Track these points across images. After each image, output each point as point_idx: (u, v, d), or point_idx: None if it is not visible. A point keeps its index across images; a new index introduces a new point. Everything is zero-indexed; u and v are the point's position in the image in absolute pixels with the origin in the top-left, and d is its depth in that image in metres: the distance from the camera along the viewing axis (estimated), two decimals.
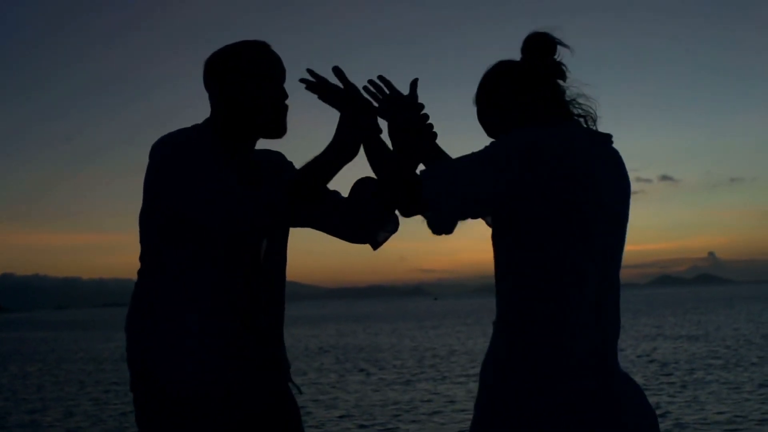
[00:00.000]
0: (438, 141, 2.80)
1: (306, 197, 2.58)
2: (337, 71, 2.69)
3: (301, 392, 3.02)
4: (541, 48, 2.61)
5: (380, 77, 2.80)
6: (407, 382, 18.19)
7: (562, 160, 2.37)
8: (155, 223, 2.75)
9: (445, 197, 2.36)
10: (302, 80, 2.74)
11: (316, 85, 2.74)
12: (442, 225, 2.42)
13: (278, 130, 2.81)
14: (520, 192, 2.37)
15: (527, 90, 2.60)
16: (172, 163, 2.64)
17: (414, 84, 2.76)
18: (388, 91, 2.78)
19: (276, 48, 2.79)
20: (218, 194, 2.55)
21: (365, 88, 2.77)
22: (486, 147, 2.43)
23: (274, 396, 2.88)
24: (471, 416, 2.53)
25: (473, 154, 2.42)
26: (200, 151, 2.65)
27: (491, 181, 2.36)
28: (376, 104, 2.75)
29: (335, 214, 2.94)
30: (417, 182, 2.39)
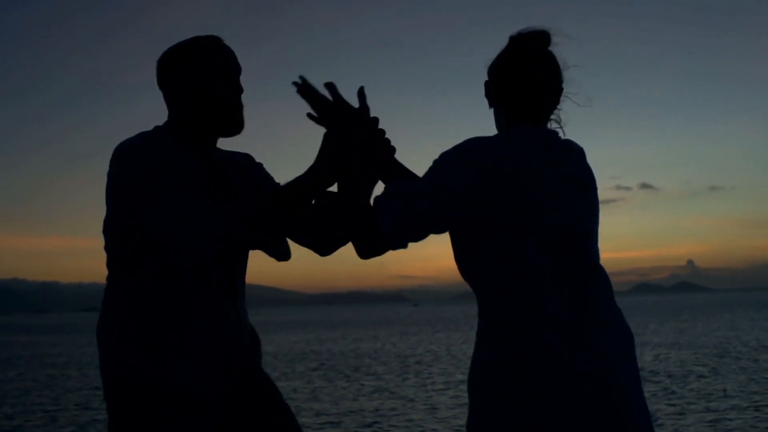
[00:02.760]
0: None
1: (274, 222, 2.53)
2: (330, 86, 2.60)
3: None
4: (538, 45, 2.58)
5: (327, 84, 2.66)
6: (391, 389, 18.16)
7: (504, 164, 2.38)
8: (119, 231, 2.69)
9: (399, 227, 2.41)
10: (295, 83, 2.65)
11: (308, 91, 2.64)
12: (394, 243, 2.47)
13: (236, 125, 2.76)
14: (468, 205, 2.39)
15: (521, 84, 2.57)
16: (134, 173, 2.59)
17: (361, 93, 2.64)
18: (331, 99, 2.65)
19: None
20: (180, 216, 2.50)
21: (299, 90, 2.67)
22: (431, 168, 2.45)
23: (254, 395, 2.82)
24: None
25: (423, 178, 2.45)
26: (162, 160, 2.60)
27: (440, 203, 2.39)
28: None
29: (302, 227, 2.88)
30: (373, 218, 2.44)
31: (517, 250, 2.39)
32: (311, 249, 2.96)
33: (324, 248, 2.94)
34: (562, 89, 2.62)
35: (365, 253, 2.53)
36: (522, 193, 2.38)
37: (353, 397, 16.99)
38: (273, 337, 45.27)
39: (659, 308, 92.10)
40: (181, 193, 2.54)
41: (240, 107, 2.76)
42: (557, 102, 2.63)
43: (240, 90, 2.76)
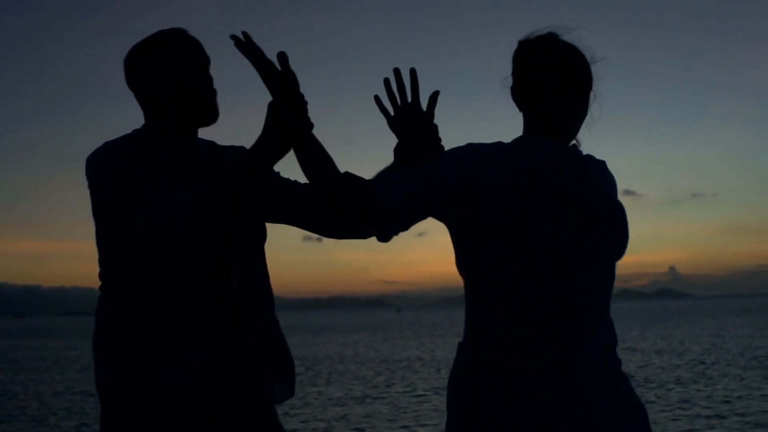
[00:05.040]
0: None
1: (235, 200, 2.46)
2: (281, 57, 2.42)
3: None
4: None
5: (412, 71, 2.65)
6: (379, 394, 18.16)
7: (503, 170, 2.34)
8: (108, 239, 2.66)
9: (395, 207, 2.33)
10: (233, 36, 2.42)
11: (247, 47, 2.42)
12: (389, 231, 2.38)
13: (210, 113, 2.71)
14: (456, 204, 2.35)
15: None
16: (104, 177, 2.58)
17: (434, 98, 2.66)
18: (409, 96, 2.64)
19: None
20: (149, 205, 2.48)
21: (386, 81, 2.64)
22: (434, 158, 2.42)
23: (256, 409, 2.79)
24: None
25: (426, 163, 2.41)
26: (131, 158, 2.58)
27: (434, 189, 2.34)
28: (391, 111, 2.66)
29: (309, 208, 2.84)
30: (369, 189, 2.35)
31: (517, 255, 2.35)
32: (323, 233, 2.93)
33: (337, 230, 2.91)
34: (581, 93, 2.49)
35: (353, 218, 2.41)
36: (516, 202, 2.33)
37: (341, 402, 16.98)
38: None
39: (641, 314, 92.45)
40: (157, 186, 2.52)
41: (213, 94, 2.72)
42: (577, 111, 2.51)
43: (210, 78, 2.72)
